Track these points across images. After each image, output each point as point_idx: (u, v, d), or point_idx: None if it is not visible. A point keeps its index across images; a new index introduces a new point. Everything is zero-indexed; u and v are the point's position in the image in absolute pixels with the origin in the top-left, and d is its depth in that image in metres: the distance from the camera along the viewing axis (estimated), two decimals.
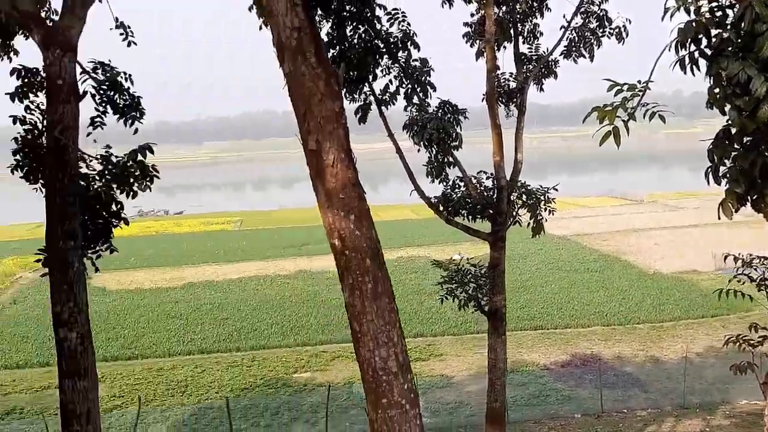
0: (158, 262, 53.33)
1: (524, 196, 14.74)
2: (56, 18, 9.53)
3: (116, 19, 9.86)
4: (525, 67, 15.84)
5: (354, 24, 11.97)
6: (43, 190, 8.97)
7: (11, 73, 9.31)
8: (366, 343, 6.17)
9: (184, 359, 30.34)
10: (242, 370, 28.28)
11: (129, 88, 9.72)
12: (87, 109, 9.40)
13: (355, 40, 12.26)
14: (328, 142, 5.80)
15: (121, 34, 9.86)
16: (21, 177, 9.41)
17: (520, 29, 15.60)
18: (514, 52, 15.71)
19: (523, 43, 15.80)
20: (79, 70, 8.82)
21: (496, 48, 14.77)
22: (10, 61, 11.34)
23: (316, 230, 65.86)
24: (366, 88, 12.98)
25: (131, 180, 9.46)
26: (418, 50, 12.84)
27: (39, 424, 22.54)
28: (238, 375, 27.75)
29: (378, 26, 12.25)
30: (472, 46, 15.34)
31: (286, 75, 5.77)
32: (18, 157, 9.23)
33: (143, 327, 35.11)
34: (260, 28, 10.93)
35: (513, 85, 15.67)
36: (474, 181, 14.28)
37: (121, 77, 9.60)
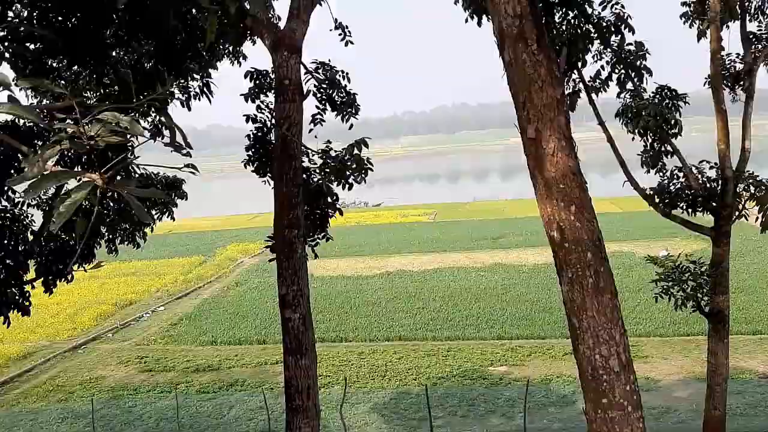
0: (359, 251, 55.88)
1: (752, 188, 13.31)
2: (280, 23, 10.31)
3: (335, 20, 10.45)
4: (753, 47, 14.31)
5: (563, 9, 11.55)
6: (271, 182, 9.76)
7: (245, 76, 10.25)
8: (585, 340, 5.93)
9: (383, 345, 31.54)
10: (438, 359, 28.76)
11: (346, 85, 10.26)
12: (307, 106, 10.07)
13: (564, 27, 11.83)
14: (548, 130, 5.65)
15: (340, 35, 10.45)
16: (252, 171, 10.34)
17: (747, 5, 14.11)
18: (740, 31, 14.26)
19: (751, 20, 14.28)
20: (303, 70, 9.47)
21: (719, 27, 13.48)
22: (240, 66, 12.52)
23: (511, 223, 65.27)
24: (575, 75, 12.50)
25: (347, 173, 9.98)
26: (633, 33, 12.09)
27: (258, 396, 24.75)
28: (434, 364, 28.27)
29: (589, 10, 11.70)
30: (690, 26, 14.16)
31: (506, 63, 5.70)
32: (250, 152, 10.15)
33: (346, 312, 37.04)
34: (465, 21, 10.96)
35: (739, 67, 14.22)
36: (695, 171, 13.16)
37: (339, 75, 10.16)
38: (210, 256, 57.83)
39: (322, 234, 10.93)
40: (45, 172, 2.51)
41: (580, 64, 12.48)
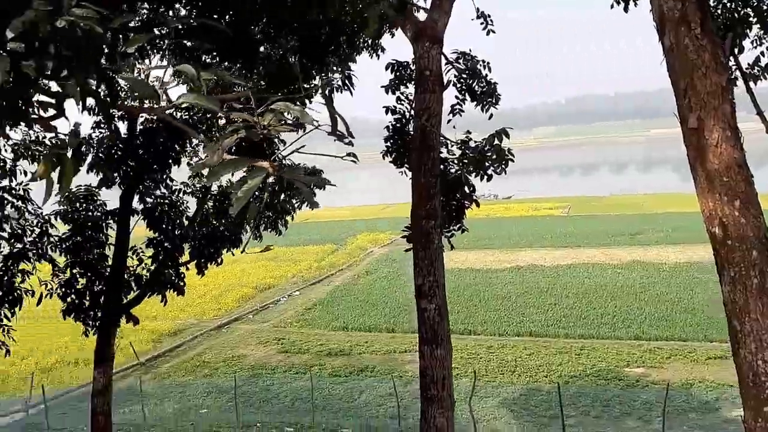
0: (488, 244, 55.29)
1: None
2: (419, 14, 10.36)
3: (477, 9, 10.36)
4: None
5: None
6: (408, 173, 9.86)
7: (386, 68, 10.41)
8: (747, 345, 5.51)
9: (513, 340, 31.07)
10: (571, 358, 27.92)
11: (486, 75, 10.15)
12: (446, 97, 10.06)
13: (719, 11, 10.99)
14: (711, 120, 5.28)
15: (481, 23, 10.35)
16: (390, 161, 10.51)
17: None
18: None
19: None
20: (444, 61, 9.47)
21: None
22: (378, 58, 12.73)
23: (650, 218, 61.99)
24: (731, 62, 11.58)
25: (487, 163, 9.89)
26: None
27: (388, 383, 25.20)
28: (567, 362, 27.47)
29: None
30: None
31: (667, 49, 5.39)
32: (388, 143, 10.31)
33: (475, 305, 36.82)
34: (611, 6, 10.48)
35: None
36: None
37: (480, 65, 10.07)
38: (342, 244, 59.55)
39: (458, 225, 10.91)
40: (223, 160, 2.69)
41: (736, 50, 11.54)
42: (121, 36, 3.00)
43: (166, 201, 13.29)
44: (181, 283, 13.39)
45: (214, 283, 42.38)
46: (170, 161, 12.82)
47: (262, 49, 11.97)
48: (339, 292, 42.01)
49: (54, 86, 3.01)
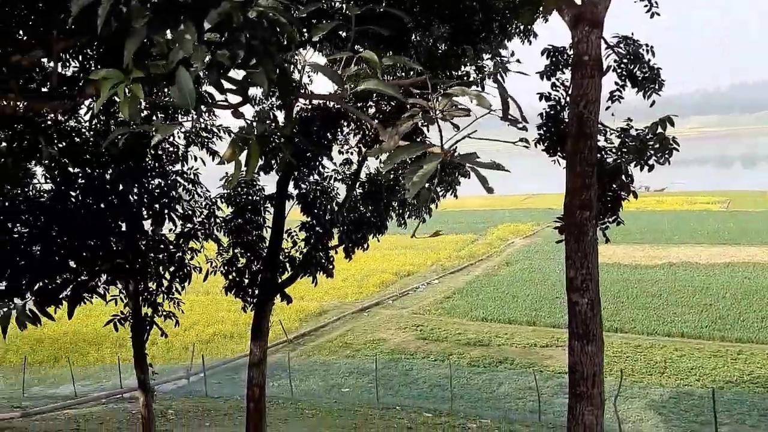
0: (638, 239, 52.61)
1: None
2: None
3: None
4: None
5: None
6: (562, 162, 9.56)
7: (542, 53, 10.14)
8: None
9: (662, 339, 29.51)
10: (726, 362, 26.06)
11: (649, 60, 9.60)
12: (605, 83, 9.62)
13: None
14: None
15: (645, 6, 9.77)
16: (542, 150, 10.24)
17: None
18: None
19: None
20: (603, 45, 9.06)
21: None
22: (530, 44, 12.42)
23: None
24: None
25: (649, 153, 9.38)
26: None
27: (527, 376, 24.80)
28: (721, 366, 25.66)
29: None
30: None
31: None
32: (541, 131, 10.05)
33: (622, 302, 35.25)
34: None
35: None
36: None
37: (643, 49, 9.54)
38: (482, 234, 59.11)
39: (613, 217, 10.44)
40: (399, 145, 2.74)
41: None
42: (302, 25, 3.13)
43: (319, 187, 13.80)
44: (331, 266, 13.87)
45: (355, 268, 43.63)
46: (323, 149, 13.29)
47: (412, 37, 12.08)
48: (478, 282, 41.78)
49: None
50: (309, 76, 14.20)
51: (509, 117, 3.07)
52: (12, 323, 5.60)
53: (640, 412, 22.04)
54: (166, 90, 4.89)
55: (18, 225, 8.40)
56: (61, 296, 8.20)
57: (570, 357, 9.27)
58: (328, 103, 14.16)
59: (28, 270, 8.02)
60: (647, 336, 30.16)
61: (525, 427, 20.92)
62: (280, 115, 13.37)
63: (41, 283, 8.08)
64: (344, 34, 11.12)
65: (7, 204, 8.73)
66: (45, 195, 9.04)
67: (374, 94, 12.93)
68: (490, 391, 24.69)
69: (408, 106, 2.86)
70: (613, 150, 9.88)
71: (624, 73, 9.83)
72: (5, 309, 5.67)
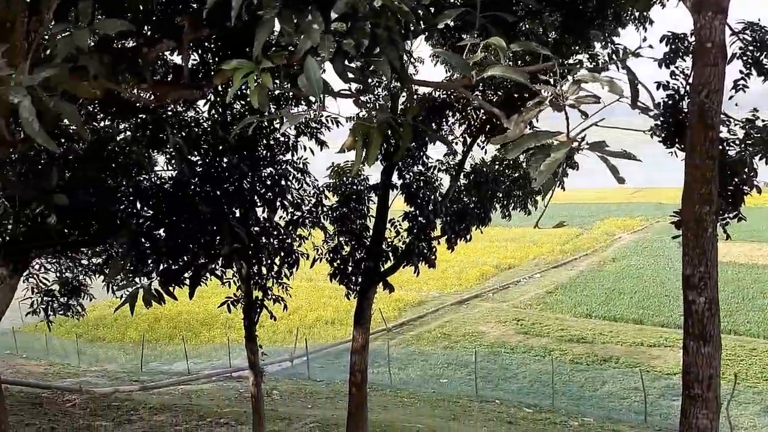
0: (756, 236, 49.47)
1: None
2: None
3: None
4: None
5: None
6: (680, 154, 9.10)
7: (661, 40, 9.66)
8: None
9: None
10: None
11: None
12: (728, 71, 9.07)
13: None
14: None
15: None
16: (659, 141, 9.77)
17: None
18: None
19: None
20: (727, 32, 8.54)
21: None
22: (645, 31, 11.86)
23: None
24: None
25: None
26: None
27: (633, 376, 23.92)
28: None
29: None
30: None
31: None
32: (658, 121, 9.59)
33: (737, 303, 33.34)
34: None
35: None
36: None
37: None
38: (587, 228, 57.40)
39: (734, 213, 9.84)
40: (526, 132, 2.71)
41: None
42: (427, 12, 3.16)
43: (422, 177, 13.82)
44: (433, 257, 13.89)
45: (455, 259, 43.46)
46: (428, 139, 13.29)
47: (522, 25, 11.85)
48: (583, 278, 40.63)
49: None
50: (414, 66, 14.22)
51: (638, 104, 2.97)
52: (138, 301, 5.96)
53: (753, 417, 20.82)
54: (287, 80, 5.06)
55: (144, 210, 8.95)
56: (182, 277, 8.68)
57: (685, 358, 8.85)
58: (434, 92, 14.17)
59: (152, 252, 8.54)
60: (763, 339, 28.46)
61: (630, 428, 20.21)
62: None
63: (164, 265, 8.59)
64: (452, 23, 11.07)
65: (131, 190, 9.31)
66: (168, 183, 9.56)
67: (479, 84, 12.79)
68: (593, 389, 24.01)
69: (532, 93, 2.83)
70: (737, 142, 9.29)
71: (749, 60, 9.21)
72: (133, 288, 6.04)
